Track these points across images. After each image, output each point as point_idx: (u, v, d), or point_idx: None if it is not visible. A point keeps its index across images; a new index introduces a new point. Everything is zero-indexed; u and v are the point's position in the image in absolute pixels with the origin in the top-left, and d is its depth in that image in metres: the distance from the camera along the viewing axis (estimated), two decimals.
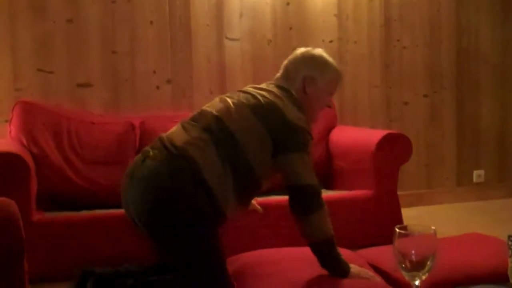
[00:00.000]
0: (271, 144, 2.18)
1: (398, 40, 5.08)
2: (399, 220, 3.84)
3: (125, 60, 4.35)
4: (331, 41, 4.87)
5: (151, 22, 4.40)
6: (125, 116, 4.20)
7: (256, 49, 4.68)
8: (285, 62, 2.44)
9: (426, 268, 1.35)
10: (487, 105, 5.38)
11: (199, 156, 2.10)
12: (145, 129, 3.99)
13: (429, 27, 5.16)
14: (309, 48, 2.44)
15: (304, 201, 2.15)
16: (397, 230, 1.36)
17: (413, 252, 1.34)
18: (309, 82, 2.34)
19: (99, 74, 4.29)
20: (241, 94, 2.32)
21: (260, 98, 2.25)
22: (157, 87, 4.43)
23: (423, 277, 1.36)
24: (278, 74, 2.44)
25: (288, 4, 4.74)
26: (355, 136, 4.29)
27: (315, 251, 2.15)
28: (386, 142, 3.91)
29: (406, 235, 1.36)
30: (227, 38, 4.61)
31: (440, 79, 5.22)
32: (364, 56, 4.98)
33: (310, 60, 2.39)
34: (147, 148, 2.21)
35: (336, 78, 2.42)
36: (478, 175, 5.34)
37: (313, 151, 4.25)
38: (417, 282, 1.36)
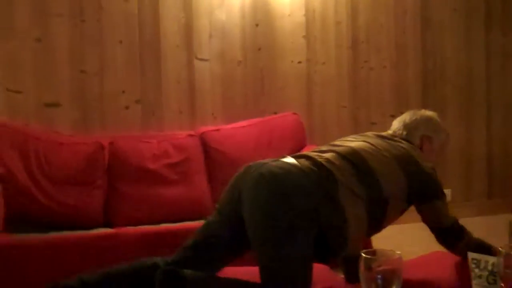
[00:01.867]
0: (407, 191, 2.34)
1: (365, 61, 5.16)
2: (366, 239, 3.87)
3: (94, 80, 4.33)
4: (299, 62, 4.93)
5: (121, 42, 4.40)
6: (94, 136, 4.18)
7: (225, 69, 4.71)
8: (401, 119, 2.63)
9: None
10: (453, 126, 5.47)
11: (339, 175, 2.19)
12: (114, 149, 3.97)
13: (395, 48, 5.26)
14: (423, 110, 2.69)
15: (450, 238, 2.45)
16: (363, 255, 1.38)
17: (379, 276, 1.37)
18: (426, 141, 2.58)
19: (67, 93, 4.26)
20: (374, 139, 2.47)
21: (400, 147, 2.42)
22: (126, 107, 4.42)
23: None
24: (396, 130, 2.61)
25: (257, 25, 4.78)
26: None
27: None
28: None
29: (372, 260, 1.38)
30: (196, 58, 4.63)
31: (407, 99, 5.31)
32: (332, 77, 5.05)
33: (428, 121, 2.62)
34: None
35: (446, 142, 2.70)
36: None
37: None
38: None
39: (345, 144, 2.40)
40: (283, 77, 4.88)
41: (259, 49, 4.81)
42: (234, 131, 4.40)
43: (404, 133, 2.56)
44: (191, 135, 4.25)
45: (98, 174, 3.88)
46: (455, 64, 5.46)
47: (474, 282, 1.62)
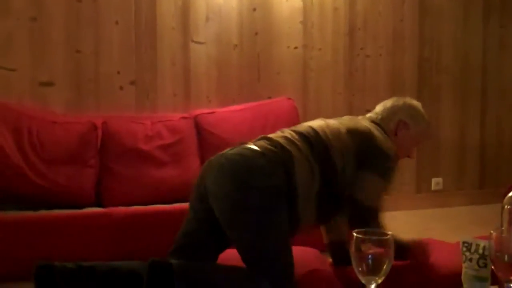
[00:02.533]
0: (355, 162, 2.28)
1: (361, 49, 5.14)
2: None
3: (89, 60, 4.31)
4: (296, 48, 4.91)
5: (117, 22, 4.37)
6: (87, 116, 4.16)
7: (221, 53, 4.69)
8: (381, 104, 2.60)
9: (382, 273, 1.37)
10: (447, 115, 5.48)
11: (294, 150, 2.22)
12: (107, 130, 3.96)
13: (392, 36, 5.24)
14: (407, 97, 2.64)
15: (356, 216, 2.26)
16: (355, 234, 1.38)
17: (369, 256, 1.36)
18: (402, 127, 2.50)
19: (62, 73, 4.24)
20: (340, 119, 2.48)
21: (357, 123, 2.40)
22: (121, 88, 4.40)
23: (379, 281, 1.38)
24: (375, 112, 2.57)
25: (254, 9, 4.76)
26: None
27: None
28: None
29: (363, 240, 1.38)
30: (193, 41, 4.60)
31: (402, 88, 5.30)
32: (328, 63, 5.04)
33: (408, 107, 2.56)
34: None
35: (427, 132, 2.61)
36: (436, 182, 5.44)
37: None
38: (373, 286, 1.38)
39: (305, 124, 2.42)
40: (279, 62, 4.86)
41: (256, 33, 4.79)
42: (229, 114, 4.39)
43: (380, 117, 2.52)
44: (184, 117, 4.24)
45: (91, 154, 3.86)
46: (451, 53, 5.46)
47: (464, 265, 1.62)
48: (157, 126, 4.08)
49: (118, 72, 4.39)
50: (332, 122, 2.40)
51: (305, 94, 4.96)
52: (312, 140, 2.28)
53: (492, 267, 1.40)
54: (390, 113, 2.52)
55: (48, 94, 4.20)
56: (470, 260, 1.61)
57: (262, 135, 2.36)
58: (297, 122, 4.59)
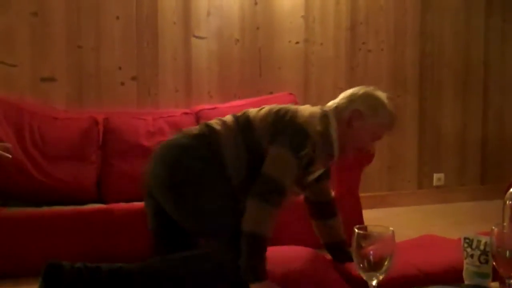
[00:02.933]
0: (269, 135, 2.23)
1: (363, 43, 5.13)
2: (360, 221, 3.87)
3: (90, 55, 4.31)
4: (297, 42, 4.90)
5: (118, 17, 4.37)
6: (88, 111, 4.15)
7: (223, 48, 4.68)
8: (346, 91, 2.42)
9: (384, 269, 1.36)
10: (449, 110, 5.47)
11: (220, 127, 2.27)
12: (108, 125, 3.96)
13: (394, 31, 5.23)
14: (373, 87, 2.42)
15: (258, 187, 2.12)
16: (356, 230, 1.37)
17: (371, 252, 1.36)
18: (358, 117, 2.29)
19: (63, 68, 4.24)
20: (291, 106, 2.41)
21: (292, 107, 2.33)
22: (122, 84, 4.40)
23: (381, 277, 1.37)
24: (333, 100, 2.41)
25: (256, 4, 4.75)
26: None
27: (242, 239, 2.11)
28: None
29: (364, 236, 1.37)
30: (194, 36, 4.60)
31: (404, 83, 5.29)
32: (330, 58, 5.03)
33: (368, 97, 2.35)
34: None
35: (387, 124, 2.36)
36: (438, 178, 5.44)
37: None
38: (374, 282, 1.37)
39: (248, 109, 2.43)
40: (280, 57, 4.85)
41: (257, 28, 4.78)
42: (230, 109, 4.35)
43: (335, 105, 2.35)
44: (186, 113, 4.23)
45: (92, 150, 3.86)
46: (453, 48, 5.44)
47: (465, 261, 1.62)
48: (158, 122, 4.08)
49: (120, 68, 4.39)
50: (271, 106, 2.35)
51: (306, 89, 4.95)
52: (240, 120, 2.30)
53: (494, 263, 1.39)
54: (347, 101, 2.33)
55: (49, 89, 4.20)
56: (472, 256, 1.61)
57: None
58: None
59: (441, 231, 3.89)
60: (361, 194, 4.08)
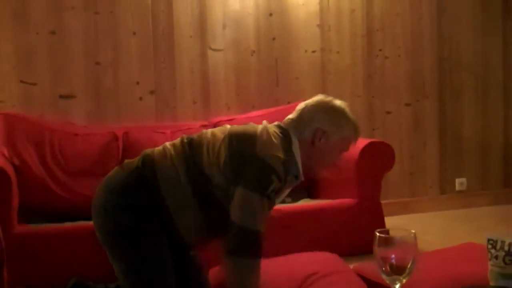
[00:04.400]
0: (228, 172, 2.04)
1: (380, 50, 5.12)
2: (382, 228, 3.85)
3: (108, 71, 4.35)
4: (314, 51, 4.90)
5: (134, 33, 4.41)
6: (108, 127, 4.19)
7: (239, 59, 4.69)
8: (302, 105, 2.25)
9: (407, 272, 1.36)
10: (469, 114, 5.42)
11: (161, 166, 2.09)
12: (128, 140, 3.98)
13: (411, 37, 5.21)
14: (332, 98, 2.26)
15: (234, 242, 1.98)
16: (377, 234, 1.37)
17: (393, 256, 1.35)
18: (321, 135, 2.17)
19: (82, 85, 4.28)
20: (248, 125, 2.23)
21: (248, 127, 2.16)
22: (140, 98, 4.43)
23: (404, 281, 1.36)
24: (291, 116, 2.23)
25: (271, 14, 4.76)
26: None
27: None
28: (369, 151, 3.94)
29: (386, 239, 1.36)
30: (210, 48, 4.62)
31: (422, 88, 5.26)
32: (347, 66, 5.02)
33: (328, 113, 2.21)
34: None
35: (351, 136, 2.25)
36: (460, 183, 5.38)
37: None
38: (397, 286, 1.36)
39: (205, 132, 2.22)
40: (297, 67, 4.86)
41: (273, 38, 4.79)
42: (248, 120, 4.36)
43: (293, 124, 2.18)
44: (204, 125, 4.24)
45: (112, 165, 3.85)
46: (471, 51, 5.40)
47: (490, 263, 1.60)
48: (177, 134, 4.08)
49: (137, 83, 4.42)
50: (225, 128, 2.18)
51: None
52: (188, 149, 2.12)
53: None
54: (308, 119, 2.18)
55: (69, 106, 4.24)
56: (496, 257, 1.59)
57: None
58: None
59: (464, 236, 3.86)
60: (383, 201, 4.06)
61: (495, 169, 5.52)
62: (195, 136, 2.19)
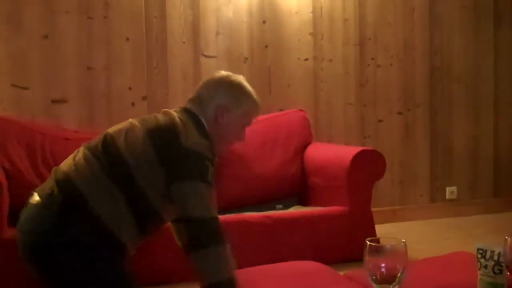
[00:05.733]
0: (163, 172, 2.03)
1: (372, 59, 5.14)
2: (373, 236, 3.86)
3: (100, 76, 4.34)
4: (306, 59, 4.92)
5: (127, 39, 4.41)
6: (100, 132, 4.15)
7: (232, 66, 4.70)
8: (200, 84, 2.29)
9: (396, 281, 1.36)
10: (460, 123, 5.45)
11: (85, 184, 2.03)
12: None
13: (403, 46, 5.24)
14: (228, 74, 2.29)
15: (195, 236, 1.97)
16: (368, 242, 1.37)
17: (383, 264, 1.36)
18: (223, 112, 2.19)
19: (74, 90, 4.27)
20: (150, 116, 2.23)
21: (161, 120, 2.13)
22: (133, 104, 4.42)
23: None
24: (191, 97, 2.27)
25: (264, 22, 4.78)
26: (329, 153, 4.32)
27: None
28: (360, 159, 3.95)
29: (376, 248, 1.37)
30: (203, 55, 4.63)
31: (414, 97, 5.29)
32: (339, 74, 5.04)
33: (227, 88, 2.24)
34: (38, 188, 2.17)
35: (253, 110, 2.28)
36: (451, 191, 5.41)
37: (289, 168, 4.29)
38: None
39: (110, 132, 2.20)
40: (289, 75, 4.87)
41: (266, 46, 4.80)
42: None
43: (195, 105, 2.20)
44: None
45: None
46: (463, 61, 5.44)
47: (479, 272, 1.61)
48: None
49: (130, 88, 4.42)
50: (136, 125, 2.16)
51: (316, 106, 4.96)
52: (106, 156, 2.08)
53: (508, 273, 1.39)
54: (206, 97, 2.20)
55: (60, 111, 4.24)
56: (485, 267, 1.60)
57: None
58: (309, 133, 4.60)
59: (454, 244, 3.88)
60: (373, 209, 4.08)
61: (485, 178, 5.55)
62: (98, 140, 2.17)
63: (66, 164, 2.14)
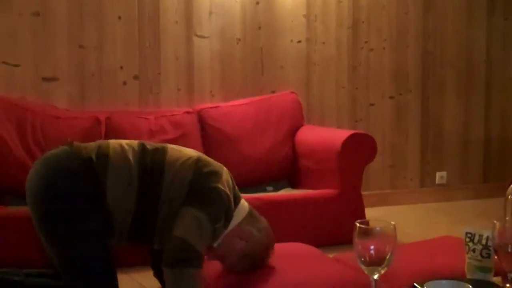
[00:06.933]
0: (186, 191, 2.15)
1: (365, 42, 5.13)
2: (362, 219, 3.88)
3: (92, 55, 4.31)
4: (299, 41, 4.90)
5: (120, 17, 4.37)
6: (91, 111, 4.16)
7: (225, 47, 4.68)
8: None
9: (385, 263, 1.37)
10: (451, 108, 5.46)
11: (115, 157, 2.16)
12: (111, 125, 3.96)
13: (396, 30, 5.22)
14: None
15: (179, 255, 2.03)
16: (357, 225, 1.38)
17: (372, 247, 1.36)
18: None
19: (65, 68, 4.24)
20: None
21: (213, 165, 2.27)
22: (124, 83, 4.40)
23: (382, 271, 1.38)
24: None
25: (257, 3, 4.75)
26: (321, 136, 4.32)
27: None
28: (352, 142, 3.95)
29: (366, 230, 1.37)
30: (196, 35, 4.60)
31: (406, 81, 5.29)
32: (332, 57, 5.02)
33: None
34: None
35: None
36: (440, 176, 5.43)
37: (280, 150, 4.30)
38: (375, 276, 1.37)
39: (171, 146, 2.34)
40: (282, 56, 4.85)
41: (259, 27, 4.78)
42: (232, 108, 4.39)
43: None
44: (188, 112, 4.24)
45: None
46: (455, 46, 5.44)
47: (467, 256, 1.62)
48: (160, 120, 4.09)
49: (121, 67, 4.39)
50: (194, 152, 2.33)
51: (308, 88, 4.95)
52: (150, 156, 2.21)
53: (495, 257, 1.39)
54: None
55: (51, 89, 4.20)
56: (474, 250, 1.61)
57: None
58: (301, 115, 4.59)
59: (443, 229, 3.90)
60: (363, 193, 4.09)
61: (475, 164, 5.58)
62: (158, 145, 2.31)
63: (117, 140, 2.29)
